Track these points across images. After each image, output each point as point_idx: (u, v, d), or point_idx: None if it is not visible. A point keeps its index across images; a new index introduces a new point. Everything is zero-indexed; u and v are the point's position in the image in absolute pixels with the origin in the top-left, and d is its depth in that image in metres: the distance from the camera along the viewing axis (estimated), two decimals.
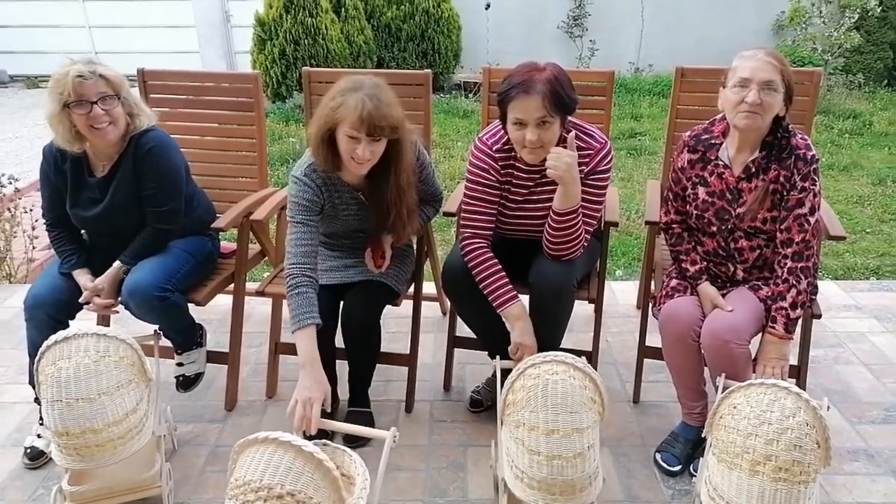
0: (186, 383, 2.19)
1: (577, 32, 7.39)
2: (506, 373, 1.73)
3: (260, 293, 2.14)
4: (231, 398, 2.25)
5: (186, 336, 2.15)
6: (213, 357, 2.27)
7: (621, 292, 2.99)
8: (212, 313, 2.67)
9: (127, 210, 1.99)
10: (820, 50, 6.33)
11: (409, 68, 6.59)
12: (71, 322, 1.99)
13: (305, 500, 1.28)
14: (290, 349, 2.21)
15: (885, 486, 1.88)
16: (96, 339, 1.66)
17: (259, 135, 2.38)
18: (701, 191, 1.90)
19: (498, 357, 1.85)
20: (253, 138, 2.39)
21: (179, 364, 2.18)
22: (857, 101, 6.43)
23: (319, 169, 1.87)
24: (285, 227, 2.34)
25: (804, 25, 6.60)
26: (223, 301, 2.37)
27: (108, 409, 1.62)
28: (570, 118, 1.85)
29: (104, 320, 2.04)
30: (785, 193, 1.80)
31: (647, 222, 2.18)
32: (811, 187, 1.77)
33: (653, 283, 2.22)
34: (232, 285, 2.23)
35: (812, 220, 1.79)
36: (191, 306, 2.09)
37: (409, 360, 2.21)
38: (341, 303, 2.01)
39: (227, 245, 2.39)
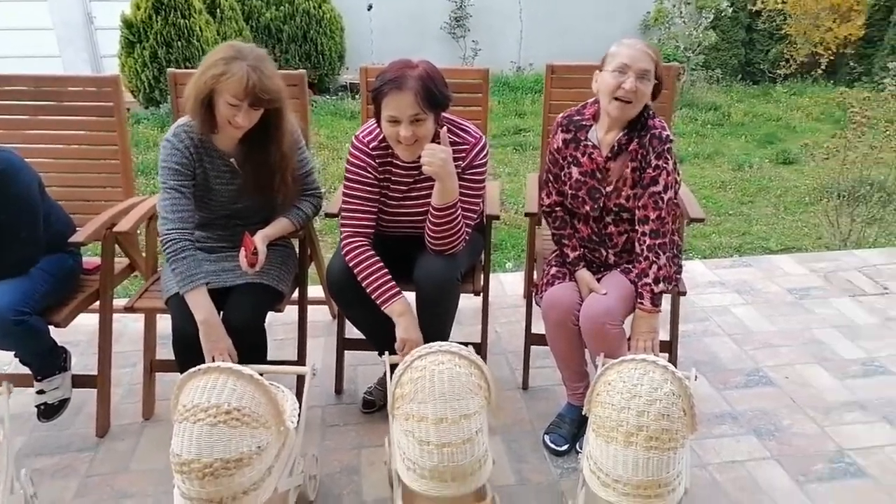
0: (49, 412, 2.02)
1: (460, 33, 7.52)
2: (395, 368, 1.72)
3: (129, 309, 2.00)
4: (102, 423, 2.10)
5: (47, 361, 1.98)
6: (81, 381, 2.11)
7: (509, 283, 3.07)
8: (79, 334, 2.47)
9: None
10: (682, 48, 6.80)
11: (292, 70, 6.44)
12: None
13: (250, 413, 1.44)
14: (167, 366, 2.10)
15: (748, 445, 2.04)
16: None
17: (121, 141, 2.23)
18: (574, 171, 1.97)
19: (387, 353, 1.84)
20: (115, 145, 2.24)
21: (40, 392, 2.00)
22: (717, 95, 6.97)
23: (190, 131, 1.85)
24: (155, 238, 2.22)
25: (668, 25, 7.07)
26: (91, 321, 2.21)
27: None
28: (444, 114, 1.87)
29: None
30: (642, 172, 1.91)
31: (526, 214, 2.25)
32: (664, 165, 1.88)
33: (535, 272, 2.29)
34: (98, 303, 2.08)
35: (666, 197, 1.89)
36: (51, 328, 1.93)
37: (298, 366, 2.15)
38: (222, 311, 1.92)
39: (91, 261, 2.22)
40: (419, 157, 1.81)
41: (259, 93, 1.74)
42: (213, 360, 1.76)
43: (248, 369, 1.47)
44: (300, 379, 2.15)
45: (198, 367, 1.48)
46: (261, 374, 1.51)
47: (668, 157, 1.89)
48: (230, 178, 1.94)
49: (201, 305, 1.78)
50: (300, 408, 1.69)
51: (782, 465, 1.96)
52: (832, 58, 7.26)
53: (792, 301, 2.87)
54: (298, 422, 1.67)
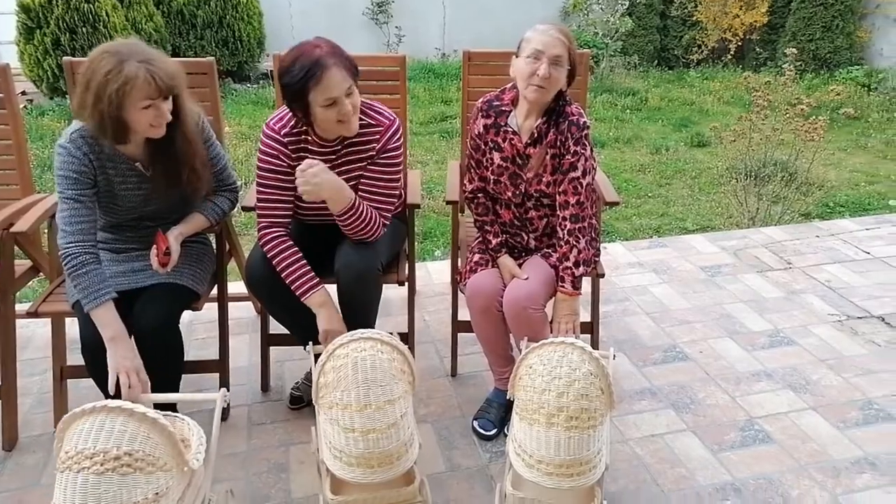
0: None
1: (383, 19, 7.43)
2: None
3: (33, 314, 1.89)
4: (10, 436, 1.98)
5: None
6: None
7: (437, 272, 3.08)
8: None
9: None
10: (601, 34, 6.96)
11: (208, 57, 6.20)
12: None
13: (144, 457, 1.29)
14: (79, 372, 1.99)
15: (666, 419, 2.14)
16: None
17: (16, 134, 2.09)
18: (496, 156, 1.99)
19: (311, 343, 1.83)
20: (8, 139, 2.09)
21: None
22: (635, 80, 7.19)
23: (88, 136, 1.73)
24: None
25: (586, 12, 7.23)
26: None
27: None
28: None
29: None
30: (561, 158, 1.95)
31: (447, 201, 2.25)
32: (582, 151, 1.93)
33: (459, 259, 2.30)
34: None
35: (584, 182, 1.94)
36: None
37: (220, 365, 2.09)
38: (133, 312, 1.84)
39: None
40: (336, 136, 1.84)
41: (168, 81, 1.65)
42: (118, 380, 1.66)
43: (140, 407, 1.33)
44: (222, 381, 2.09)
45: (83, 406, 1.32)
46: (173, 406, 1.42)
47: (586, 143, 1.94)
48: (137, 182, 1.83)
49: (108, 322, 1.68)
50: (209, 440, 1.53)
51: (698, 435, 2.06)
52: (740, 43, 7.61)
53: (705, 278, 3.01)
54: (207, 455, 1.51)
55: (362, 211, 1.85)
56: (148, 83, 1.61)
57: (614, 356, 1.77)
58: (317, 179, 1.75)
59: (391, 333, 1.69)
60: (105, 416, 1.30)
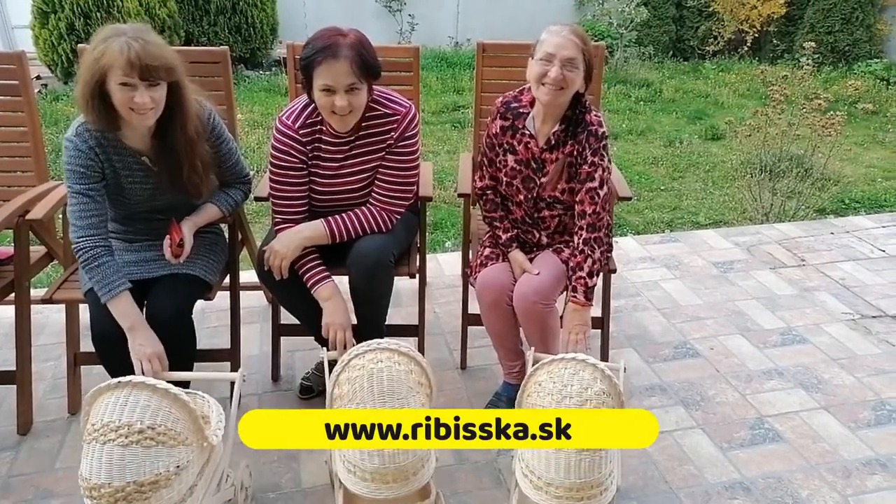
0: None
1: (397, 6, 7.39)
2: (334, 364, 1.67)
3: (48, 300, 1.91)
4: (25, 421, 2.01)
5: None
6: None
7: (447, 264, 3.07)
8: None
9: None
10: (615, 24, 6.89)
11: (221, 44, 6.20)
12: None
13: (166, 431, 1.35)
14: (92, 359, 2.01)
15: (675, 415, 2.13)
16: None
17: (31, 122, 2.10)
18: (510, 158, 1.98)
19: (325, 349, 1.81)
20: (24, 126, 2.10)
21: None
22: (649, 72, 7.11)
23: (93, 128, 1.71)
24: None
25: (601, 2, 7.14)
26: (9, 313, 2.09)
27: None
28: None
29: None
30: (577, 167, 1.92)
31: (459, 194, 2.25)
32: (600, 162, 1.90)
33: (471, 252, 2.30)
34: (13, 295, 1.97)
35: (602, 192, 1.90)
36: None
37: (231, 354, 2.11)
38: (145, 302, 1.85)
39: (5, 250, 2.10)
40: (350, 128, 1.83)
41: (147, 60, 1.57)
42: (142, 367, 1.69)
43: (163, 383, 1.38)
44: (233, 370, 2.11)
45: (109, 381, 1.39)
46: (187, 384, 1.45)
47: (604, 153, 1.91)
48: (143, 176, 1.80)
49: (126, 313, 1.70)
50: (227, 417, 1.58)
51: (707, 433, 2.06)
52: (757, 35, 7.51)
53: (717, 274, 2.99)
54: (225, 433, 1.54)
55: (348, 226, 1.88)
56: (121, 55, 1.55)
57: (625, 368, 1.74)
58: (279, 247, 1.82)
59: (405, 327, 1.68)
60: (130, 390, 1.36)
